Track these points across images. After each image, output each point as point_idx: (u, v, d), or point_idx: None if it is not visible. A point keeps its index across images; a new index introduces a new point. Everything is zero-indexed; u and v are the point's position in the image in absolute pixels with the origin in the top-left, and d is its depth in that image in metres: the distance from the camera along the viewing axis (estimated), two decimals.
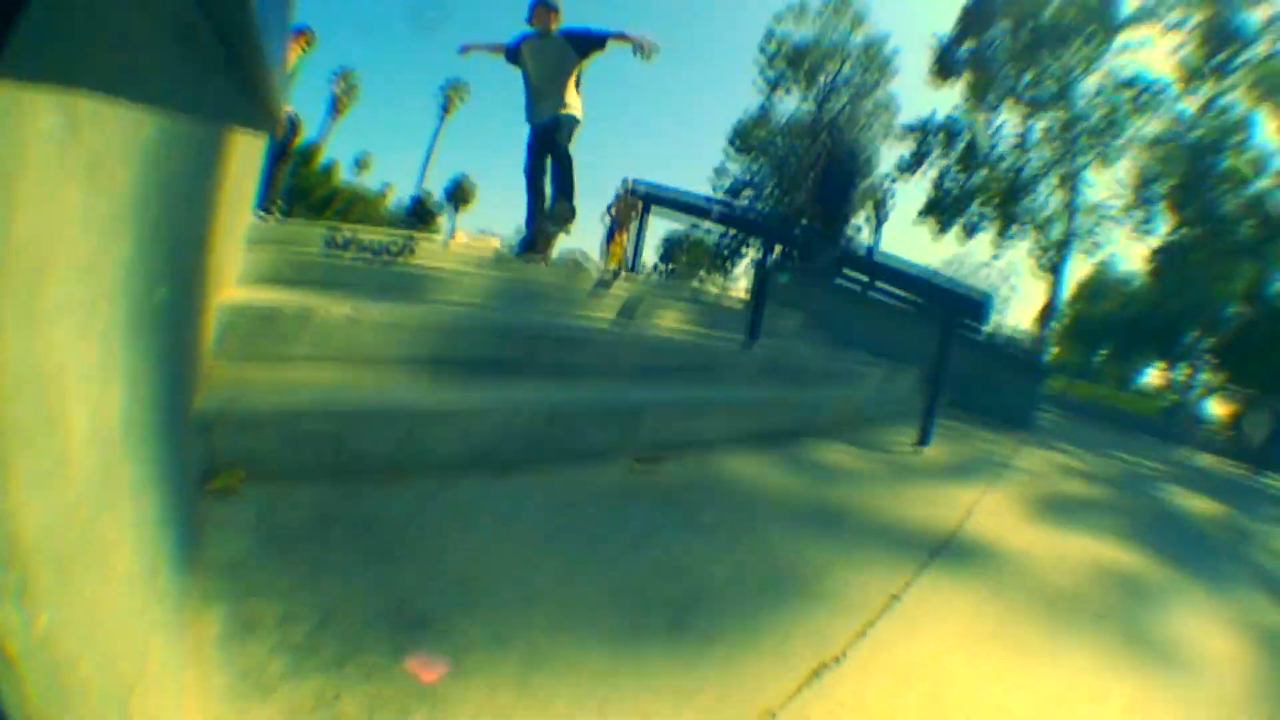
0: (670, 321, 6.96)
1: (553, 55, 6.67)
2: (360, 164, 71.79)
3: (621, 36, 6.57)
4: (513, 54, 6.89)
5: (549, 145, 6.73)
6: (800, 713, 1.44)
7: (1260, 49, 31.29)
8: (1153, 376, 54.38)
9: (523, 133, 7.24)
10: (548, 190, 6.97)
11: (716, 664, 1.54)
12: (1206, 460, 18.77)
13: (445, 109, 74.69)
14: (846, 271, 11.95)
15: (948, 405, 9.86)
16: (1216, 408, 41.91)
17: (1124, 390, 55.20)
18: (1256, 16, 31.29)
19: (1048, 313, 36.45)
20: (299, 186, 42.68)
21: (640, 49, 6.54)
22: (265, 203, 8.37)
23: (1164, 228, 35.66)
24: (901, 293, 9.78)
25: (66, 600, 0.72)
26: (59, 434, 0.73)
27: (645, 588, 1.80)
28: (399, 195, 71.21)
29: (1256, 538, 6.46)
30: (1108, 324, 51.46)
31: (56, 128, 0.67)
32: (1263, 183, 33.25)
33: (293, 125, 8.86)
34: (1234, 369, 38.47)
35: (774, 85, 41.38)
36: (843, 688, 1.58)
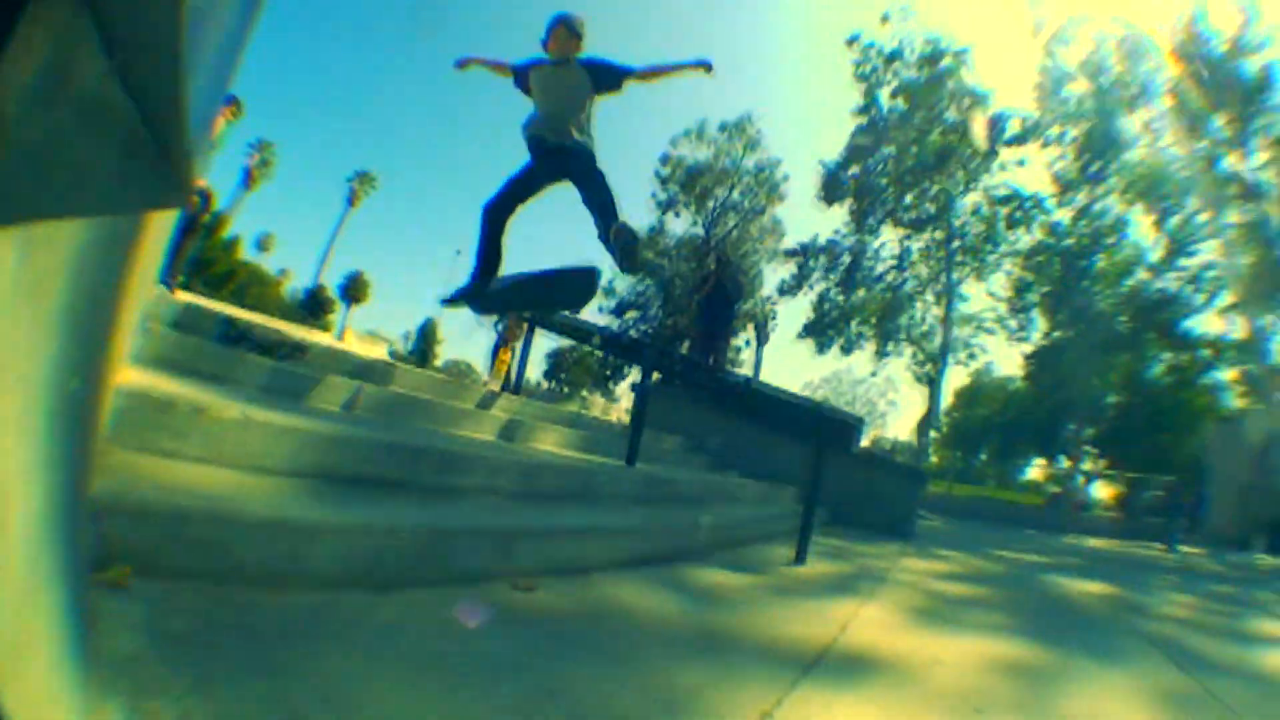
0: (551, 443, 7.03)
1: (568, 87, 5.75)
2: (263, 244, 70.18)
3: (652, 73, 5.83)
4: (522, 78, 5.97)
5: (560, 168, 5.71)
6: None
7: (1135, 154, 34.09)
8: (1035, 471, 56.52)
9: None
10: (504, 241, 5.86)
11: None
12: (1094, 543, 19.84)
13: (351, 200, 73.83)
14: (725, 397, 12.26)
15: (828, 521, 10.08)
16: (1101, 492, 44.13)
17: (1007, 487, 57.18)
18: (1132, 123, 34.12)
19: (927, 421, 37.76)
20: (201, 258, 41.78)
21: (677, 69, 6.02)
22: (168, 276, 8.16)
23: (1037, 333, 37.93)
24: (781, 424, 10.10)
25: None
26: (3, 534, 0.77)
27: (525, 710, 1.84)
28: (297, 281, 69.60)
29: (1147, 608, 6.81)
30: (987, 427, 53.73)
31: (14, 258, 0.74)
32: (1135, 279, 36.42)
33: (205, 199, 8.74)
34: (1115, 454, 40.81)
35: (665, 207, 42.53)
36: None
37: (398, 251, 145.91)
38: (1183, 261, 35.62)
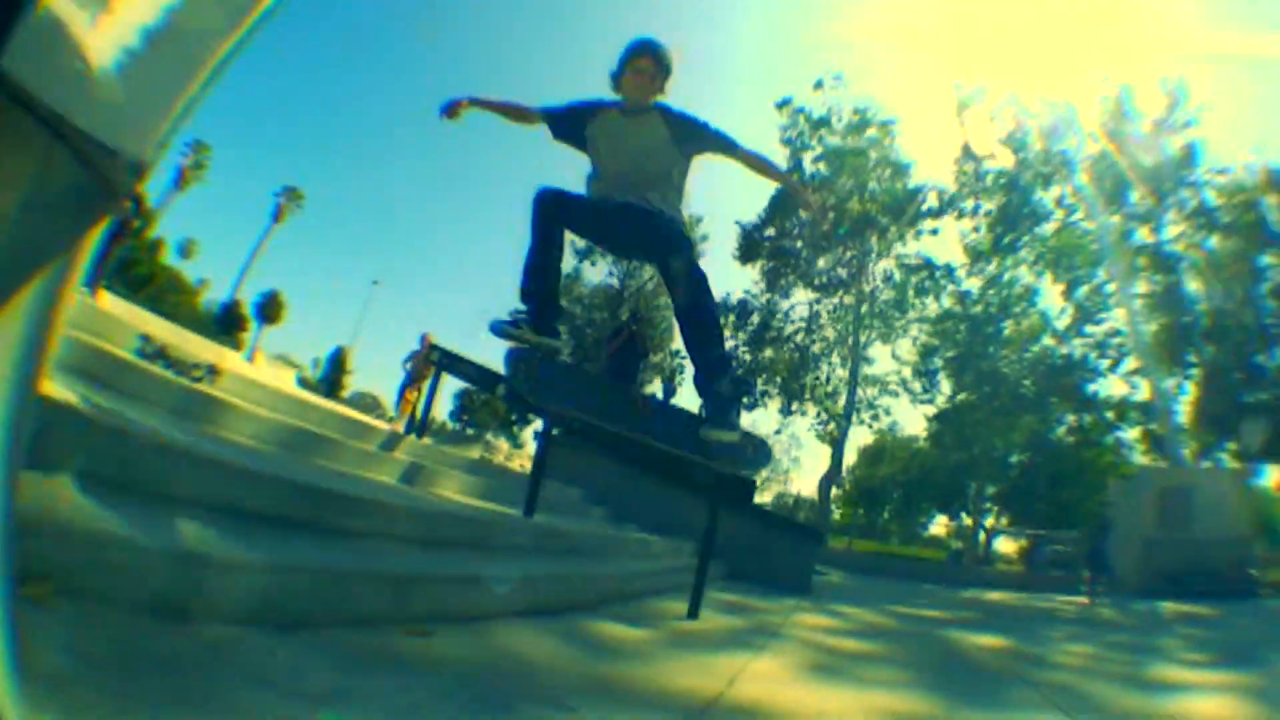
0: (452, 489, 7.08)
1: (647, 143, 4.33)
2: (186, 249, 67.56)
3: (759, 164, 4.55)
4: (569, 125, 4.55)
5: (634, 238, 4.57)
6: None
7: (1048, 227, 35.79)
8: (937, 527, 57.88)
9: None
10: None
11: None
12: (995, 596, 20.37)
13: (276, 216, 71.63)
14: (627, 449, 12.36)
15: (725, 576, 10.24)
16: (1004, 546, 45.66)
17: (910, 543, 58.65)
18: (1047, 197, 35.90)
19: (829, 479, 38.50)
20: (124, 258, 40.48)
21: (801, 198, 5.29)
22: (92, 279, 7.98)
23: (941, 396, 39.37)
24: (679, 480, 10.25)
25: None
26: None
27: None
28: (215, 292, 67.37)
29: (1043, 658, 7.11)
30: (890, 484, 54.88)
31: None
32: (1040, 345, 38.51)
33: (137, 202, 8.58)
34: (1017, 510, 42.31)
35: (583, 256, 42.74)
36: None
37: (317, 274, 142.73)
38: (1089, 328, 37.57)
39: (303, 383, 34.56)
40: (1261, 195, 33.06)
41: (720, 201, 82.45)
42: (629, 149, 4.33)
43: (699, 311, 4.14)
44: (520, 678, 3.14)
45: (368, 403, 50.52)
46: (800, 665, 5.13)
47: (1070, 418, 39.73)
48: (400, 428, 12.96)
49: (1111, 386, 38.82)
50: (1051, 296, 38.02)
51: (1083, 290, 37.04)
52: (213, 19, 1.32)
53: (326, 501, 3.83)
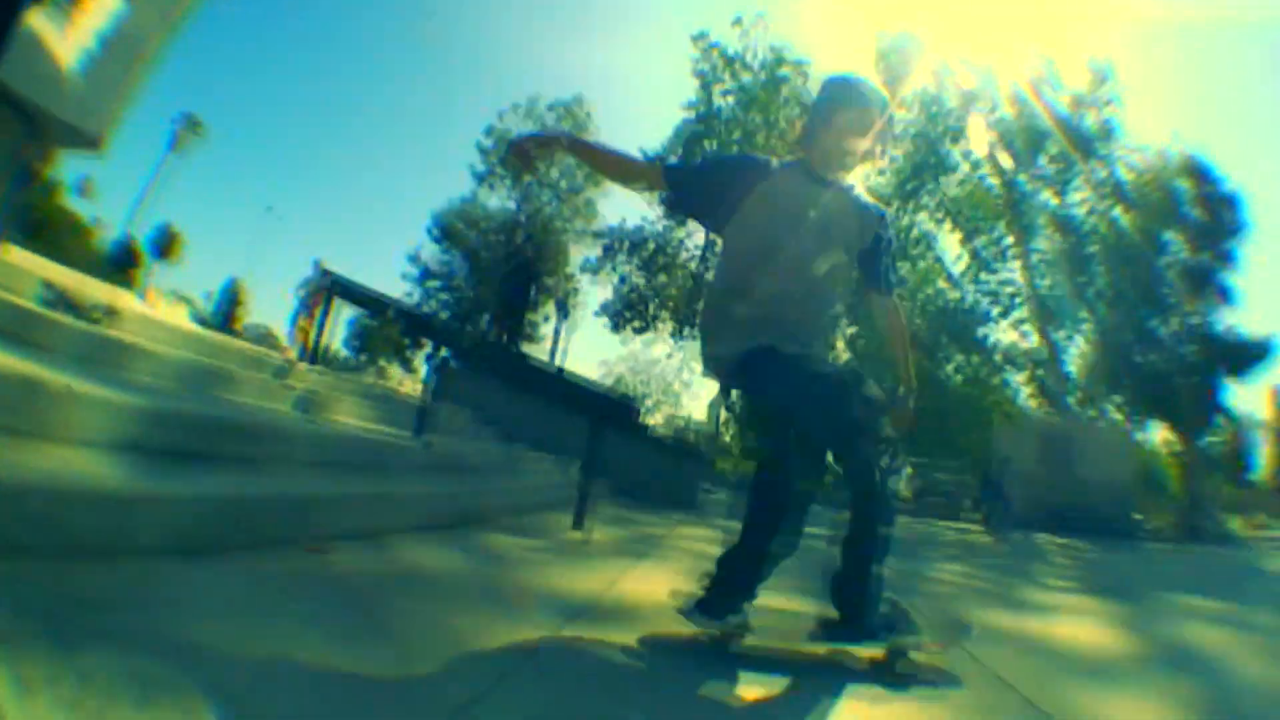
0: (345, 414, 7.24)
1: (834, 235, 3.11)
2: (83, 188, 63.18)
3: (898, 332, 3.69)
4: (714, 187, 3.19)
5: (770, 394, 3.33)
6: None
7: (953, 178, 36.90)
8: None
9: None
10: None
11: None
12: None
13: (173, 144, 66.86)
14: (515, 374, 12.69)
15: (614, 495, 10.64)
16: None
17: None
18: (956, 150, 37.28)
19: (718, 401, 39.25)
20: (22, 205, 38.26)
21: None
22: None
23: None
24: (561, 401, 10.60)
25: None
26: None
27: (349, 638, 2.25)
28: (111, 231, 63.61)
29: (911, 575, 7.69)
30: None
31: None
32: (933, 287, 39.81)
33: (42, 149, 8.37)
34: (906, 443, 44.40)
35: (481, 179, 42.05)
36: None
37: (211, 202, 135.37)
38: (984, 276, 38.90)
39: (197, 319, 33.61)
40: (1176, 179, 34.74)
41: (620, 127, 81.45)
42: (810, 241, 3.03)
43: (863, 523, 3.11)
44: (417, 583, 3.53)
45: (263, 334, 49.32)
46: (677, 570, 5.59)
47: (959, 357, 41.62)
48: (294, 355, 12.94)
49: (1003, 333, 40.85)
50: (948, 243, 39.27)
51: (981, 240, 38.36)
52: (151, 20, 1.49)
53: (226, 433, 4.05)
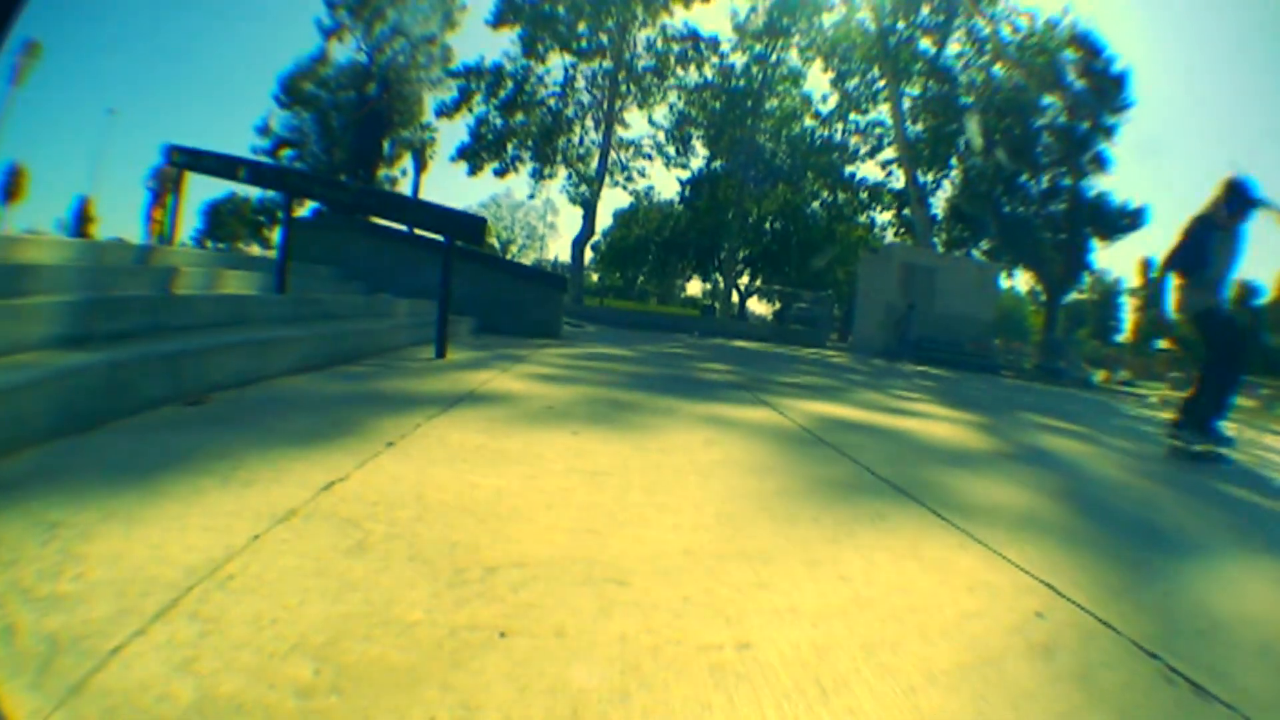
0: (208, 283, 7.35)
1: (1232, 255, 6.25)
2: None
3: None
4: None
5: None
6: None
7: (826, 16, 37.90)
8: (693, 287, 60.62)
9: None
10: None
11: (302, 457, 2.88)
12: (743, 344, 22.77)
13: (15, 77, 60.43)
14: (370, 218, 12.73)
15: (479, 330, 11.13)
16: (758, 307, 49.69)
17: (668, 304, 61.33)
18: None
19: (582, 240, 39.58)
20: None
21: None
22: None
23: (697, 160, 41.51)
24: (408, 225, 10.78)
25: None
26: None
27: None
28: None
29: (765, 381, 8.82)
30: (644, 245, 56.44)
31: None
32: (800, 124, 41.47)
33: None
34: (769, 274, 45.84)
35: (331, 33, 40.03)
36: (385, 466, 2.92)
37: (54, 125, 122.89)
38: (853, 115, 40.11)
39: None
40: (1063, 48, 35.16)
41: None
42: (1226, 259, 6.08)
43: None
44: (302, 402, 4.21)
45: (121, 239, 46.75)
46: (535, 376, 6.34)
47: (825, 193, 42.50)
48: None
49: (870, 172, 41.92)
50: (819, 81, 39.60)
51: (852, 82, 39.08)
52: None
53: (94, 312, 4.23)
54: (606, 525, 2.48)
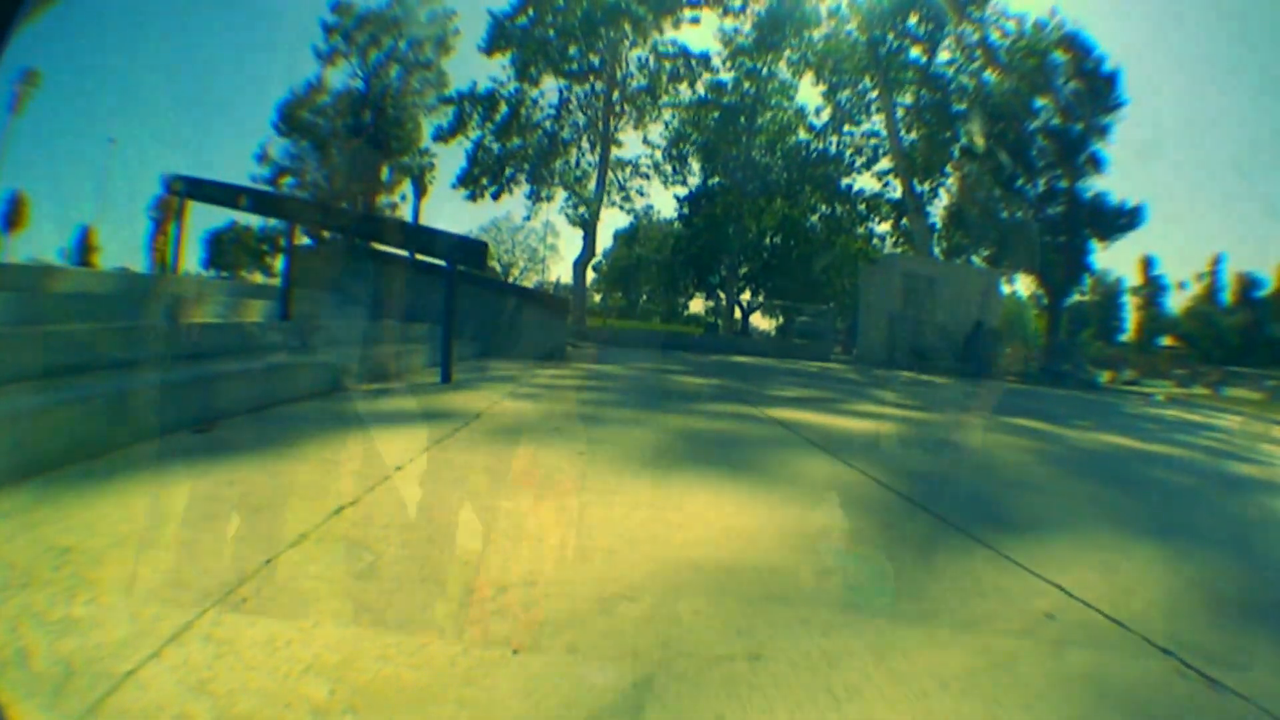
0: (214, 313, 7.37)
1: None
2: None
3: None
4: None
5: None
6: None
7: (816, 31, 37.77)
8: (696, 304, 60.87)
9: None
10: None
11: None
12: (742, 359, 22.84)
13: (14, 105, 60.87)
14: (372, 244, 12.75)
15: (481, 354, 11.20)
16: (762, 323, 49.90)
17: (671, 322, 61.30)
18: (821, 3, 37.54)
19: (583, 261, 39.59)
20: None
21: None
22: None
23: (694, 178, 41.69)
24: (409, 251, 10.79)
25: None
26: None
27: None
28: None
29: (753, 392, 8.88)
30: (645, 264, 56.40)
31: None
32: (794, 138, 41.42)
33: None
34: (770, 288, 45.93)
35: (327, 59, 40.27)
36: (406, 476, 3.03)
37: (55, 154, 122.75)
38: (848, 127, 40.22)
39: None
40: (1052, 50, 34.94)
41: None
42: None
43: None
44: (310, 420, 4.32)
45: (126, 268, 46.92)
46: (541, 397, 6.61)
47: (823, 206, 42.61)
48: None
49: (867, 183, 41.92)
50: (811, 95, 39.75)
51: (845, 93, 39.26)
52: None
53: (102, 341, 4.21)
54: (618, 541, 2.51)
